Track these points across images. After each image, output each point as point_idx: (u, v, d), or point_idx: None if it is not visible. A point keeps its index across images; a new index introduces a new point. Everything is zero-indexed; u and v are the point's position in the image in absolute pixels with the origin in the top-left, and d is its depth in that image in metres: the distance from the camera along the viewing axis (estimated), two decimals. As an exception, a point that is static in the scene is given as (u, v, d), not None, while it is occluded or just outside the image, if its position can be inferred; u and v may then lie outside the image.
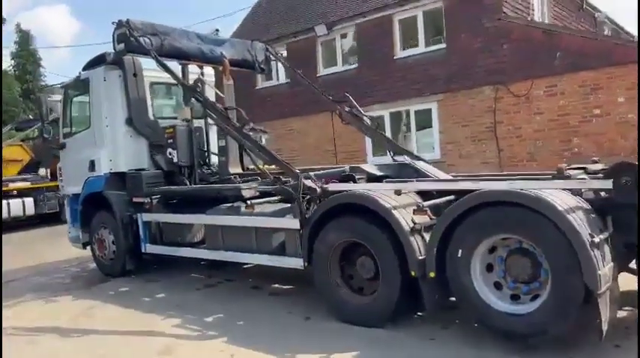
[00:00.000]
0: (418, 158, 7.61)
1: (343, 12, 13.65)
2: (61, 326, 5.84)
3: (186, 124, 7.87)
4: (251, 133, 8.32)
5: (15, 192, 16.43)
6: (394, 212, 4.81)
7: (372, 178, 6.16)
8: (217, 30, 16.67)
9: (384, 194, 5.02)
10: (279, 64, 15.63)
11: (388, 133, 13.19)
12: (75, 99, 8.79)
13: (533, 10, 12.23)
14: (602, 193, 4.29)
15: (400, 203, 4.94)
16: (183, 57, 8.08)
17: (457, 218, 4.42)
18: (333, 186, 5.48)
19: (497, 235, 4.33)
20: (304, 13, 14.84)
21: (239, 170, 8.04)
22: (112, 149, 8.11)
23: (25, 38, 40.00)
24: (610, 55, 9.81)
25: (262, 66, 9.31)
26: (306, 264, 5.56)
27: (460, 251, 4.41)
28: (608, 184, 4.10)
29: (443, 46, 11.98)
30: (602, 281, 3.74)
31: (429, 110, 12.28)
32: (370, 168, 6.28)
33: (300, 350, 4.58)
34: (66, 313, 6.42)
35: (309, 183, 5.52)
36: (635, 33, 19.81)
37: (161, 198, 7.59)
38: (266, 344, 4.80)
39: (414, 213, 4.78)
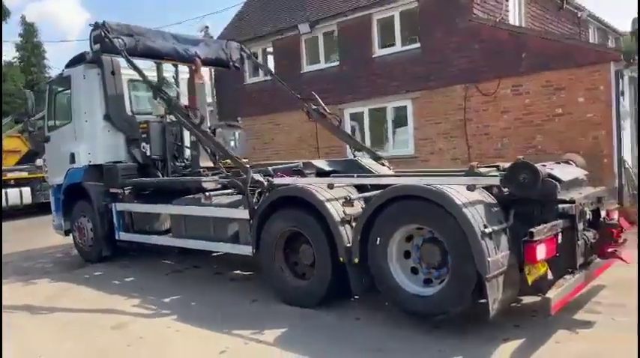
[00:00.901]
0: (376, 155, 8.14)
1: (325, 11, 14.08)
2: (34, 305, 6.43)
3: (159, 120, 8.36)
4: (220, 129, 8.94)
5: (13, 182, 17.06)
6: (327, 204, 5.32)
7: (320, 173, 6.67)
8: (207, 27, 17.23)
9: (319, 188, 5.51)
10: (268, 62, 16.24)
11: (367, 129, 13.73)
12: (58, 95, 9.31)
13: (507, 11, 12.59)
14: (505, 189, 4.76)
15: (334, 196, 5.44)
16: (158, 56, 8.58)
17: (376, 210, 4.92)
18: (278, 180, 5.98)
19: (409, 225, 4.83)
20: (289, 11, 15.25)
21: (210, 164, 8.55)
22: (90, 142, 8.65)
23: (29, 30, 40.61)
24: (571, 56, 10.18)
25: (236, 64, 9.77)
26: (254, 251, 6.08)
27: (378, 239, 4.92)
28: (496, 181, 4.59)
29: (418, 45, 12.38)
30: (491, 267, 4.22)
31: (405, 107, 12.72)
32: (320, 163, 6.78)
33: (235, 327, 5.10)
34: (41, 294, 6.99)
35: (257, 176, 6.03)
36: (621, 28, 20.10)
37: (133, 189, 8.12)
38: (209, 322, 5.33)
39: (342, 205, 5.27)
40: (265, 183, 5.94)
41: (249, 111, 15.87)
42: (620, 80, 10.05)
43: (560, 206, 4.54)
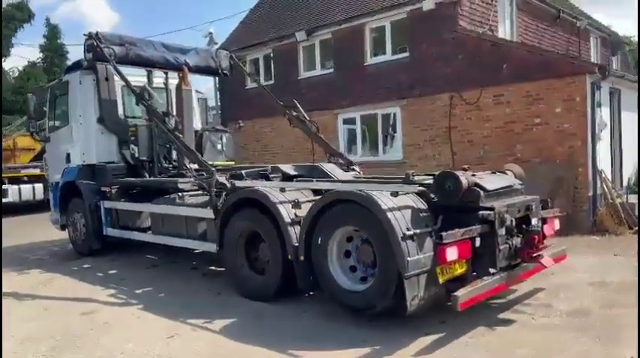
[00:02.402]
0: (348, 160, 8.61)
1: (321, 20, 14.58)
2: (20, 292, 7.04)
3: (147, 123, 8.92)
4: (207, 133, 9.47)
5: (26, 179, 17.89)
6: (279, 206, 5.80)
7: (286, 177, 7.14)
8: (211, 33, 17.90)
9: (274, 191, 6.00)
10: (270, 65, 16.75)
11: (358, 134, 14.17)
12: (58, 98, 9.96)
13: (494, 22, 12.89)
14: (433, 197, 5.18)
15: (287, 199, 5.91)
16: (148, 64, 9.17)
17: (318, 212, 5.39)
18: (239, 183, 6.48)
19: (345, 227, 5.28)
20: (289, 19, 15.81)
21: (195, 165, 9.08)
22: (84, 143, 9.27)
23: (53, 32, 41.88)
24: (548, 68, 10.47)
25: (225, 72, 10.32)
26: (218, 248, 6.59)
27: (320, 239, 5.38)
28: (414, 188, 5.02)
29: (406, 54, 12.80)
30: (410, 266, 4.65)
31: (394, 114, 13.14)
32: (287, 168, 7.25)
33: (191, 317, 5.60)
34: (30, 282, 7.62)
35: (221, 179, 6.53)
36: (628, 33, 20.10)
37: (121, 188, 8.69)
38: (170, 311, 5.85)
39: (292, 208, 5.74)
40: (228, 186, 6.44)
41: (250, 114, 16.43)
42: (597, 91, 10.33)
43: (481, 213, 4.93)
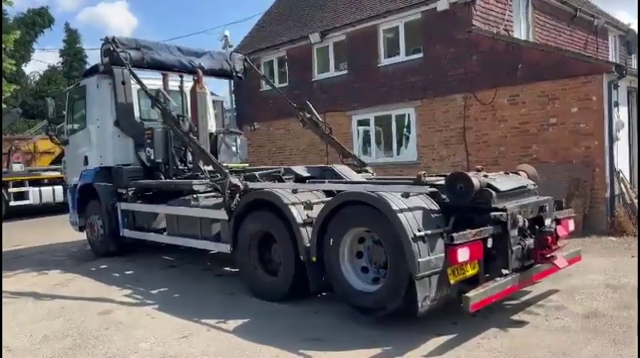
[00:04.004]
0: (361, 162, 8.65)
1: (335, 21, 14.61)
2: (39, 292, 7.19)
3: (162, 126, 9.03)
4: (222, 135, 9.55)
5: (46, 181, 18.21)
6: (291, 207, 5.84)
7: (298, 179, 7.19)
8: (226, 36, 18.05)
9: (286, 192, 6.04)
10: (285, 68, 16.82)
11: (372, 136, 14.17)
12: (76, 102, 10.14)
13: (509, 22, 12.80)
14: (444, 197, 5.18)
15: (299, 200, 5.95)
16: (164, 68, 9.31)
17: (329, 213, 5.42)
18: (252, 185, 6.54)
19: (357, 228, 5.30)
20: (303, 21, 15.88)
21: (210, 168, 9.16)
22: (101, 146, 9.42)
23: (72, 37, 42.55)
24: (564, 68, 10.37)
25: (239, 74, 10.41)
26: (232, 249, 6.65)
27: (331, 240, 5.41)
28: (425, 189, 5.02)
29: (420, 55, 12.77)
30: (421, 267, 4.65)
31: (408, 115, 13.11)
32: (299, 170, 7.30)
33: (205, 317, 5.66)
34: (48, 283, 7.76)
35: (234, 181, 6.60)
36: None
37: (137, 190, 8.82)
38: (184, 311, 5.92)
39: (304, 209, 5.78)
40: (241, 187, 6.50)
41: (265, 116, 16.50)
42: (615, 91, 10.20)
43: (493, 213, 4.91)
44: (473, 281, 4.98)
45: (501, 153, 11.42)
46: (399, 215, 4.78)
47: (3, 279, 7.72)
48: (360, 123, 14.33)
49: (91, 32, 69.50)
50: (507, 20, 12.65)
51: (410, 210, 4.91)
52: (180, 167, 9.15)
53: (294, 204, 5.88)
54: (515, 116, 11.20)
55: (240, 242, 6.52)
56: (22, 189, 17.54)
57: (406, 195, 4.97)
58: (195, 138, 7.63)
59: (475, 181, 4.98)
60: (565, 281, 6.41)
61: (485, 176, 5.31)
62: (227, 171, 6.82)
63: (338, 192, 5.95)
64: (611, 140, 10.11)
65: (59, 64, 42.60)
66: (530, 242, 5.24)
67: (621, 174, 10.39)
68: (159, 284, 7.28)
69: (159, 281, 7.47)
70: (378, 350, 4.55)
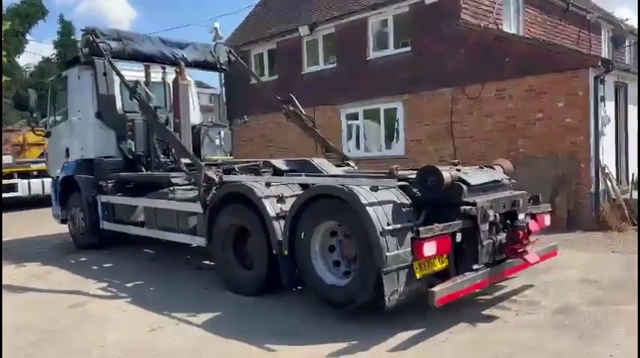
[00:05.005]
0: (344, 156, 8.59)
1: (324, 14, 14.52)
2: (13, 285, 7.12)
3: (144, 118, 8.95)
4: (206, 128, 9.48)
5: (36, 173, 18.10)
6: (264, 200, 5.78)
7: (277, 172, 7.12)
8: (216, 28, 17.93)
9: (260, 185, 5.98)
10: (273, 60, 16.71)
11: (361, 130, 14.11)
12: (58, 93, 10.05)
13: (500, 16, 12.70)
14: (416, 191, 5.13)
15: (272, 193, 5.89)
16: (146, 59, 9.21)
17: (301, 206, 5.36)
18: (227, 177, 6.48)
19: (328, 221, 5.25)
20: (293, 14, 15.76)
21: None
22: (83, 138, 9.35)
23: (67, 29, 42.34)
24: (550, 61, 10.31)
25: (224, 66, 10.33)
26: (207, 243, 6.60)
27: (303, 233, 5.36)
28: (394, 183, 4.97)
29: (409, 49, 12.69)
30: (389, 261, 4.60)
31: (396, 109, 13.04)
32: (278, 163, 7.22)
33: (176, 310, 5.62)
34: (25, 275, 7.71)
35: (210, 173, 6.54)
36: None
37: (117, 183, 8.75)
38: (157, 305, 5.87)
39: (277, 202, 5.73)
40: (216, 180, 6.45)
41: (255, 109, 16.35)
42: (601, 85, 10.15)
43: (462, 208, 4.87)
44: (443, 276, 4.94)
45: (488, 147, 11.36)
46: (368, 208, 4.74)
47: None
48: (349, 117, 14.26)
49: (89, 24, 69.04)
50: (497, 14, 12.57)
51: (380, 203, 4.86)
52: (163, 159, 9.07)
53: (267, 197, 5.82)
54: (502, 111, 11.15)
55: (215, 235, 6.47)
56: (11, 181, 17.44)
57: (375, 189, 4.92)
58: (171, 129, 7.54)
59: (446, 175, 4.93)
60: (541, 276, 6.37)
61: (458, 170, 5.26)
62: (202, 163, 6.76)
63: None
64: (597, 135, 10.06)
65: (53, 56, 42.40)
66: (502, 236, 5.20)
67: (607, 170, 10.34)
68: (136, 277, 7.23)
69: (136, 274, 7.42)
70: (343, 344, 4.52)
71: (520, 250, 5.20)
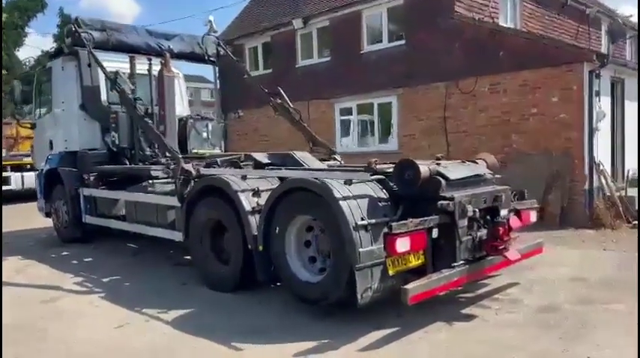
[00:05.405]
0: (331, 151, 8.42)
1: (318, 7, 14.30)
2: (-9, 279, 6.96)
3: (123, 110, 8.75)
4: (192, 120, 9.32)
5: (29, 166, 17.94)
6: (240, 194, 5.62)
7: (258, 165, 6.95)
8: (210, 21, 17.65)
9: (236, 178, 5.81)
10: (267, 53, 16.48)
11: (355, 124, 13.92)
12: (43, 84, 9.89)
13: (496, 9, 12.46)
14: (394, 186, 4.96)
15: (249, 187, 5.72)
16: (131, 50, 9.03)
17: (275, 200, 5.19)
18: (204, 170, 6.31)
19: (302, 216, 5.08)
20: (288, 7, 15.51)
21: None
22: (67, 130, 9.20)
23: (66, 22, 42.15)
24: (545, 55, 10.08)
25: (212, 58, 10.14)
26: (184, 237, 6.44)
27: (277, 228, 5.19)
28: (367, 176, 4.80)
29: (403, 42, 12.48)
30: (362, 257, 4.44)
31: (390, 104, 12.84)
32: (259, 156, 7.04)
33: (148, 306, 5.46)
34: (5, 269, 7.51)
35: (187, 166, 6.37)
36: None
37: (100, 176, 8.59)
38: (130, 301, 5.72)
39: (252, 196, 5.56)
40: (193, 173, 6.28)
41: (249, 103, 16.18)
42: (596, 80, 9.93)
43: (440, 203, 4.69)
44: (421, 272, 4.76)
45: (481, 143, 11.14)
46: (341, 202, 4.56)
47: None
48: (343, 111, 14.06)
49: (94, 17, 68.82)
50: (493, 7, 12.34)
51: (354, 198, 4.68)
52: (148, 152, 8.91)
53: (243, 191, 5.66)
54: (496, 105, 10.94)
55: (192, 230, 6.31)
56: (4, 174, 17.31)
57: (348, 182, 4.75)
58: (150, 121, 7.37)
59: (423, 169, 4.76)
60: (527, 273, 6.20)
61: (438, 164, 5.08)
62: (179, 156, 6.60)
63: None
64: (591, 131, 9.85)
65: (52, 49, 42.21)
66: (482, 233, 5.02)
67: (601, 166, 10.13)
68: (114, 271, 7.08)
69: (115, 268, 7.27)
70: (313, 343, 4.35)
71: (500, 247, 5.02)
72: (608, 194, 10.07)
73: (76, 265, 7.68)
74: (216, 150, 9.87)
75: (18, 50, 38.21)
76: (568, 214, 9.88)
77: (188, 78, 11.89)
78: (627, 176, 10.95)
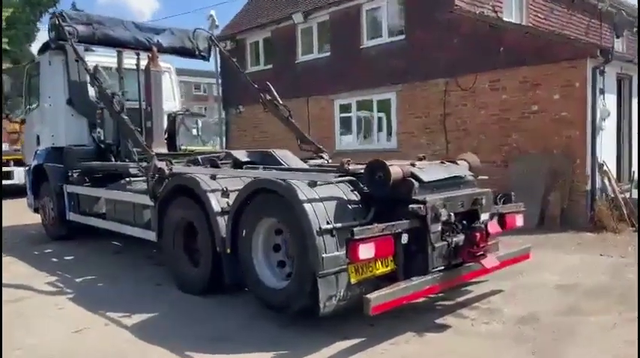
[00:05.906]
0: (319, 149, 8.17)
1: (318, 1, 14.02)
2: (-34, 277, 6.83)
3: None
4: (181, 116, 9.13)
5: (26, 161, 17.95)
6: (209, 194, 5.40)
7: (237, 164, 6.72)
8: (211, 15, 17.53)
9: (206, 178, 5.59)
10: (269, 49, 16.24)
11: (354, 121, 13.64)
12: (32, 79, 9.78)
13: (499, 3, 12.06)
14: (364, 188, 4.69)
15: (219, 187, 5.49)
16: (117, 44, 8.83)
17: (242, 202, 4.96)
18: (177, 169, 6.10)
19: (267, 218, 4.84)
20: (289, 1, 15.27)
21: (164, 150, 8.73)
22: (54, 126, 9.06)
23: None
24: (546, 51, 9.69)
25: (203, 53, 9.92)
26: (158, 238, 6.24)
27: (244, 231, 4.96)
28: (333, 178, 4.53)
29: (403, 37, 12.15)
30: (325, 263, 4.19)
31: (389, 100, 12.53)
32: (239, 154, 6.81)
33: (113, 309, 5.26)
34: (-18, 267, 7.43)
35: (160, 164, 6.16)
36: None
37: (82, 172, 8.44)
38: (96, 303, 5.53)
39: (222, 196, 5.33)
40: (166, 171, 6.07)
41: (249, 99, 15.92)
42: (600, 77, 9.54)
43: (410, 206, 4.42)
44: (393, 280, 4.50)
45: (481, 141, 10.82)
46: (305, 205, 4.32)
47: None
48: (342, 107, 13.78)
49: (111, 15, 69.14)
50: (496, 1, 11.95)
51: (321, 200, 4.43)
52: (135, 149, 8.73)
53: (213, 191, 5.44)
54: (496, 103, 10.59)
55: (165, 230, 6.12)
56: (7, 168, 17.34)
57: (313, 184, 4.49)
58: (126, 118, 7.17)
59: (394, 170, 4.49)
60: (513, 280, 5.91)
61: (413, 165, 4.81)
62: (153, 153, 6.40)
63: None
64: (594, 129, 9.46)
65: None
66: (459, 238, 4.73)
67: (605, 167, 9.74)
68: (91, 271, 6.91)
69: (93, 268, 7.10)
70: (271, 354, 4.12)
71: (477, 253, 4.73)
72: (612, 196, 9.68)
73: (54, 264, 7.53)
74: (208, 147, 9.70)
75: (30, 45, 38.51)
76: (568, 216, 9.52)
77: (185, 72, 11.77)
78: (633, 177, 10.53)
